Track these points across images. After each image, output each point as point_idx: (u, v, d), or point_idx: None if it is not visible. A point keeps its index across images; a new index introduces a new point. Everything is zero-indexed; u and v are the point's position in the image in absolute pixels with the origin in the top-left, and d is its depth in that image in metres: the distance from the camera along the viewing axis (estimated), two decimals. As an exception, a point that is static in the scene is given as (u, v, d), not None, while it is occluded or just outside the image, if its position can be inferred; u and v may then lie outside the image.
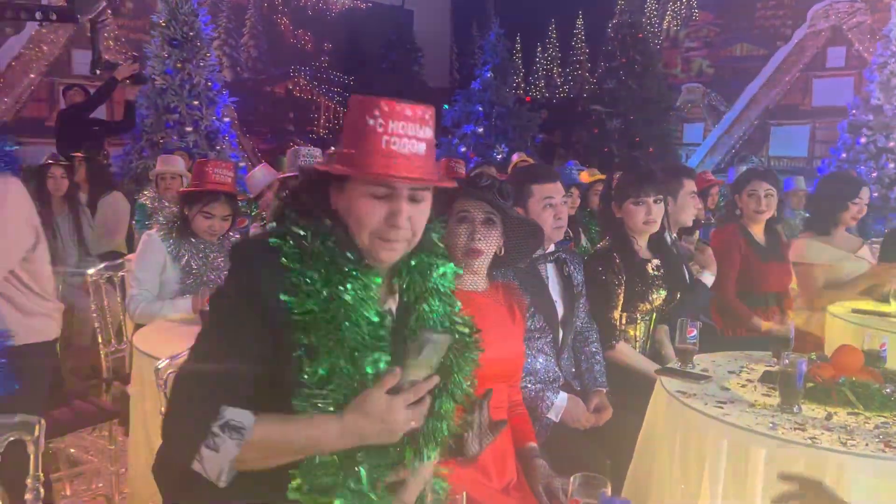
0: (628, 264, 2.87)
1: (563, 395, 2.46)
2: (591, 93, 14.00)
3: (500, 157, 8.69)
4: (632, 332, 2.93)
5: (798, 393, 1.99)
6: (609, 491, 1.23)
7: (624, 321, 2.89)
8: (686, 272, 3.46)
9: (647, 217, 2.86)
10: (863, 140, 8.18)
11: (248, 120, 12.96)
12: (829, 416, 1.96)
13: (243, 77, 13.19)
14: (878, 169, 7.93)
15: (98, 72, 6.60)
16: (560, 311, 2.62)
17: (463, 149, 9.44)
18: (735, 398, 2.10)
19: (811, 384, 2.09)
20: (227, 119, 7.69)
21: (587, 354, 2.73)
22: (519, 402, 2.17)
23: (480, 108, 9.42)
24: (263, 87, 13.61)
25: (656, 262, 2.96)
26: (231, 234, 3.05)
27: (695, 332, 2.39)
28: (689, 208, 3.37)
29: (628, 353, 2.85)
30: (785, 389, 2.00)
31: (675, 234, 3.46)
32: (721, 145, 13.47)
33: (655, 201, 2.87)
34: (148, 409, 2.40)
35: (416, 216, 1.32)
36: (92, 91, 6.71)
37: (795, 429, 1.86)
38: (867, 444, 1.77)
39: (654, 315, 2.99)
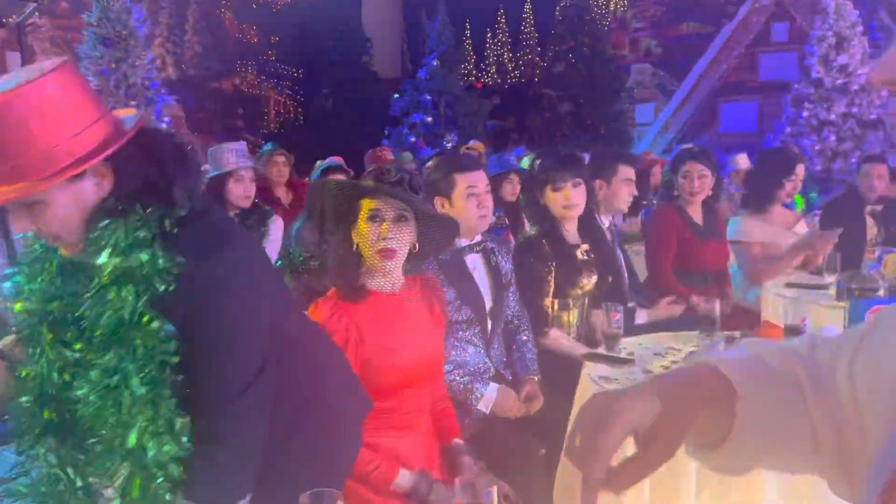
0: (557, 250, 2.85)
1: (492, 387, 2.43)
2: (543, 77, 14.05)
3: (449, 145, 8.65)
4: (566, 318, 2.92)
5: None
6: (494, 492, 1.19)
7: (556, 308, 2.87)
8: (621, 255, 3.47)
9: (566, 202, 2.84)
10: (805, 114, 8.30)
11: (196, 118, 12.75)
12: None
13: (188, 74, 12.95)
14: (820, 142, 8.06)
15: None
16: (488, 301, 2.58)
17: (413, 139, 9.37)
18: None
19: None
20: (167, 118, 7.50)
21: (518, 343, 2.70)
22: (443, 397, 2.14)
23: (429, 97, 9.35)
24: (210, 84, 13.38)
25: (586, 246, 2.95)
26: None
27: (619, 317, 2.38)
28: (624, 195, 3.36)
29: (561, 339, 2.83)
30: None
31: (611, 219, 3.46)
32: (673, 124, 13.60)
33: (574, 185, 2.85)
34: None
35: None
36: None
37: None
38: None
39: (588, 300, 2.98)
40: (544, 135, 11.93)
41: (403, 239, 1.89)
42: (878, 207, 4.42)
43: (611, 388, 2.01)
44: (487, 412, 2.42)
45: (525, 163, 6.10)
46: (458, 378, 2.40)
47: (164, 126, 7.57)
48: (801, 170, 3.99)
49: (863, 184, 4.46)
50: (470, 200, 2.50)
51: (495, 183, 4.81)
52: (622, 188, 3.36)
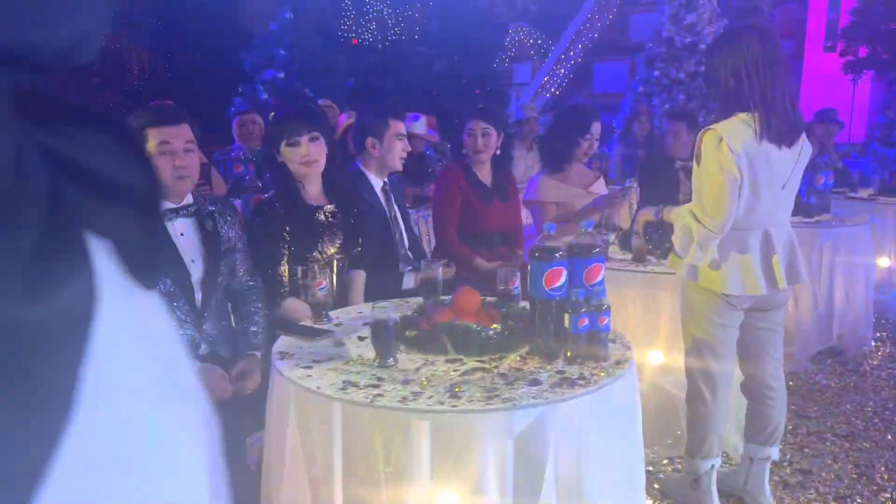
0: (293, 212, 2.65)
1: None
2: (421, 35, 13.74)
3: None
4: (324, 283, 2.72)
5: (391, 344, 1.84)
6: None
7: (300, 275, 2.67)
8: (399, 217, 3.31)
9: (303, 157, 2.64)
10: (656, 73, 8.37)
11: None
12: (422, 366, 1.82)
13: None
14: (670, 101, 8.16)
15: None
16: (198, 271, 2.36)
17: (265, 96, 8.94)
18: (337, 355, 1.93)
19: (412, 332, 1.95)
20: None
21: (243, 315, 2.50)
22: None
23: (283, 52, 8.91)
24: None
25: (330, 207, 2.75)
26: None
27: (325, 284, 2.21)
28: (396, 151, 3.18)
29: (298, 309, 2.64)
30: (376, 341, 1.84)
31: (384, 180, 3.27)
32: (549, 84, 13.61)
33: (312, 139, 2.65)
34: None
35: None
36: None
37: (371, 385, 1.71)
38: (430, 397, 1.64)
39: (342, 264, 2.79)
40: (418, 94, 11.65)
41: None
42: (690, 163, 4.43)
43: (281, 365, 1.84)
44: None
45: (419, 127, 5.89)
46: (153, 357, 2.17)
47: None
48: (596, 128, 3.92)
49: (666, 141, 4.46)
50: (163, 158, 2.25)
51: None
52: (395, 144, 3.17)
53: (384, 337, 1.83)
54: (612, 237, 3.49)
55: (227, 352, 2.42)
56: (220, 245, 2.43)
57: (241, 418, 2.22)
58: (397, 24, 15.44)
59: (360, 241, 2.83)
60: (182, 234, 2.35)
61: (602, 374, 1.78)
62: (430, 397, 1.64)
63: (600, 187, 4.03)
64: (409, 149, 3.27)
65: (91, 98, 11.98)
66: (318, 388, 1.70)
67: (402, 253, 3.26)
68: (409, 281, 3.09)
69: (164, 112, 2.31)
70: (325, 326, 2.17)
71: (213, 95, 9.24)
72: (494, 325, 1.95)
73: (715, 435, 2.61)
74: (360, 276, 2.87)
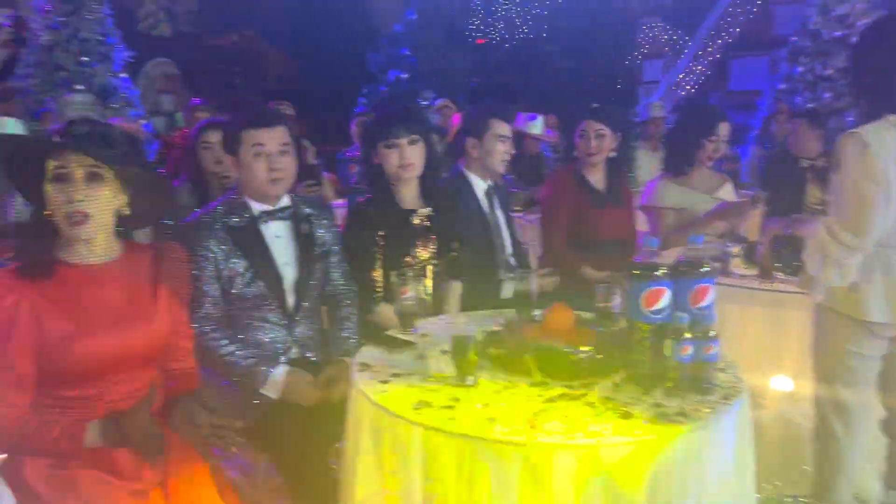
0: (387, 216, 2.58)
1: (280, 369, 2.19)
2: (550, 33, 13.49)
3: (425, 103, 8.29)
4: (410, 292, 2.64)
5: (470, 362, 1.72)
6: None
7: (394, 279, 2.60)
8: (502, 223, 3.17)
9: (401, 161, 2.56)
10: (800, 69, 7.73)
11: (191, 75, 12.56)
12: (503, 389, 1.69)
13: (183, 31, 12.73)
14: (815, 99, 7.51)
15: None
16: (292, 274, 2.33)
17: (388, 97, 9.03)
18: (417, 370, 1.83)
19: (497, 350, 1.82)
20: (123, 75, 7.30)
21: (335, 320, 2.46)
22: (175, 375, 1.90)
23: (407, 52, 8.97)
24: (206, 41, 13.15)
25: (426, 211, 2.66)
26: None
27: (411, 293, 2.12)
28: (498, 153, 3.05)
29: (391, 316, 2.57)
30: (456, 358, 1.73)
31: (489, 183, 3.15)
32: (683, 81, 12.96)
33: (411, 142, 2.56)
34: None
35: None
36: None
37: (446, 406, 1.60)
38: (507, 425, 1.50)
39: (437, 270, 2.70)
40: (543, 93, 11.45)
41: (99, 201, 1.64)
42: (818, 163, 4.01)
43: (359, 378, 1.77)
44: (276, 397, 2.19)
45: (536, 127, 5.78)
46: (241, 361, 2.17)
47: (122, 81, 7.39)
48: (724, 129, 3.61)
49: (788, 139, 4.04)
50: (257, 160, 2.24)
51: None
52: (496, 145, 3.04)
53: (463, 354, 1.71)
54: (736, 249, 3.19)
55: (318, 356, 2.38)
56: (315, 248, 2.40)
57: (329, 424, 2.17)
58: (525, 22, 15.27)
59: (456, 246, 2.72)
60: (277, 237, 2.34)
61: (706, 409, 1.58)
62: (506, 425, 1.51)
63: (727, 193, 3.72)
64: (513, 151, 3.12)
65: (233, 99, 12.64)
66: (391, 406, 1.61)
67: (504, 259, 3.12)
68: (509, 289, 2.95)
69: (259, 114, 2.30)
70: (410, 337, 2.08)
71: (339, 96, 9.46)
72: (586, 347, 1.79)
73: (846, 479, 2.31)
74: (455, 286, 2.76)
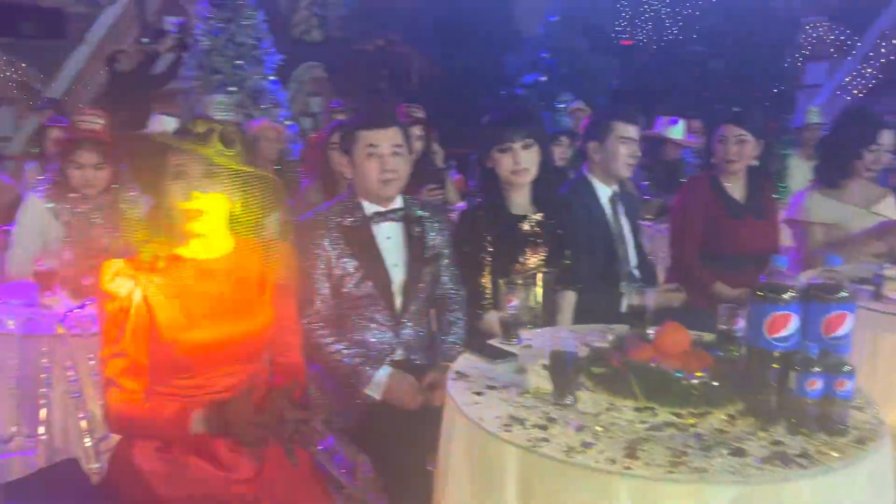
0: (497, 222, 2.51)
1: (384, 370, 2.19)
2: (700, 33, 12.86)
3: (562, 106, 8.12)
4: (515, 301, 2.56)
5: (569, 380, 1.62)
6: None
7: (504, 287, 2.53)
8: (626, 231, 3.01)
9: (514, 166, 2.48)
10: None
11: (339, 79, 13.06)
12: (604, 411, 1.57)
13: (333, 36, 13.26)
14: None
15: (146, 39, 6.82)
16: (400, 276, 2.32)
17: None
18: (514, 383, 1.74)
19: (600, 369, 1.70)
20: (273, 78, 7.69)
21: (443, 324, 2.43)
22: (281, 370, 1.92)
23: (547, 56, 8.82)
24: (353, 46, 13.62)
25: (538, 217, 2.57)
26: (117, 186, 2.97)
27: (515, 301, 2.03)
28: (622, 157, 2.89)
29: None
30: (554, 375, 1.63)
31: (613, 189, 3.00)
32: (851, 85, 11.91)
33: (525, 147, 2.48)
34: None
35: None
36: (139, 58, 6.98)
37: (538, 426, 1.51)
38: (602, 452, 1.39)
39: (548, 279, 2.59)
40: (690, 96, 10.93)
41: (213, 198, 1.70)
42: None
43: (453, 387, 1.72)
44: (378, 398, 2.18)
45: (677, 132, 5.56)
46: (346, 359, 2.18)
47: (272, 85, 7.78)
48: (887, 138, 3.24)
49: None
50: (370, 161, 2.24)
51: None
52: (619, 149, 2.89)
53: (562, 371, 1.61)
54: (892, 271, 2.84)
55: (422, 359, 2.36)
56: (426, 251, 2.38)
57: (428, 428, 2.13)
58: (675, 22, 14.64)
59: (569, 254, 2.61)
60: (388, 238, 2.34)
61: (834, 453, 1.39)
62: (601, 452, 1.39)
63: (889, 207, 3.35)
64: (639, 154, 2.95)
65: (379, 101, 13.02)
66: (482, 419, 1.54)
67: (626, 271, 2.96)
68: (648, 300, 2.78)
69: (373, 115, 2.31)
70: (512, 348, 2.00)
71: (477, 99, 9.47)
72: (700, 373, 1.63)
73: None
74: (569, 296, 2.65)
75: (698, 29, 13.32)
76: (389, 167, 2.25)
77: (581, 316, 2.65)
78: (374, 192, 2.29)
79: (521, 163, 2.47)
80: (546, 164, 2.62)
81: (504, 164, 2.49)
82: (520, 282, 2.53)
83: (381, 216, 2.32)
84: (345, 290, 2.26)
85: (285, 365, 1.95)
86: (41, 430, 1.92)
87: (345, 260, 2.25)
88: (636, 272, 3.02)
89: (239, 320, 1.77)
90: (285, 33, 13.21)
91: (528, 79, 8.93)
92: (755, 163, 3.18)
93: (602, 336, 2.06)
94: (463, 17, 11.24)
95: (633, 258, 3.02)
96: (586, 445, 1.42)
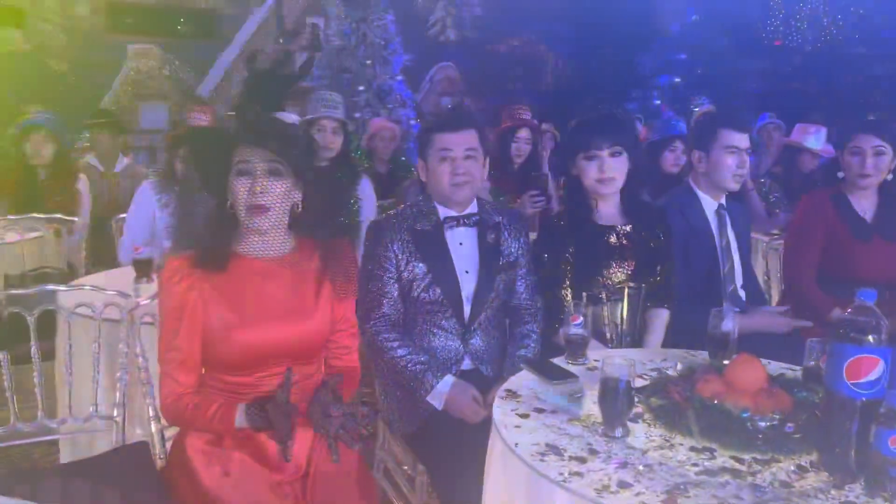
0: (580, 232, 2.37)
1: (447, 380, 2.12)
2: (862, 35, 11.82)
3: (696, 109, 7.69)
4: (603, 314, 2.42)
5: (620, 412, 1.49)
6: None
7: (585, 301, 2.40)
8: (734, 247, 2.78)
9: (600, 174, 2.33)
10: None
11: (472, 79, 13.12)
12: (656, 448, 1.43)
13: (467, 36, 13.33)
14: None
15: (281, 40, 7.14)
16: (471, 283, 2.25)
17: (657, 102, 8.54)
18: (567, 408, 1.63)
19: (660, 401, 1.55)
20: (399, 77, 7.82)
21: (516, 337, 2.33)
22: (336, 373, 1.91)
23: (683, 56, 8.39)
24: (488, 46, 13.62)
25: (626, 229, 2.40)
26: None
27: (581, 320, 1.90)
28: (727, 167, 2.66)
29: (577, 339, 2.37)
30: (603, 404, 1.51)
31: (720, 202, 2.77)
32: None
33: (612, 154, 2.32)
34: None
35: None
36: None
37: (576, 458, 1.40)
38: (638, 495, 1.26)
39: (637, 294, 2.44)
40: (848, 102, 10.08)
41: (277, 195, 1.70)
42: None
43: (499, 407, 1.64)
44: (440, 408, 2.13)
45: (815, 141, 5.16)
46: (410, 366, 2.14)
47: (397, 84, 7.91)
48: None
49: None
50: (443, 164, 2.19)
51: (656, 150, 4.20)
52: (724, 159, 2.66)
53: (612, 400, 1.48)
54: None
55: (491, 371, 2.27)
56: (500, 259, 2.29)
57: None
58: (835, 22, 13.54)
59: (662, 269, 2.43)
60: (461, 244, 2.27)
61: (918, 525, 1.18)
62: (637, 494, 1.27)
63: None
64: (746, 166, 2.70)
65: (512, 104, 12.93)
66: (517, 444, 1.45)
67: (730, 290, 2.72)
68: (729, 325, 2.56)
69: (446, 118, 2.25)
70: (578, 366, 1.88)
71: (608, 101, 9.19)
72: (773, 415, 1.45)
73: None
74: (661, 315, 2.47)
75: (861, 30, 12.28)
76: (461, 171, 2.18)
77: (675, 337, 2.46)
78: (445, 196, 2.24)
79: (607, 171, 2.33)
80: (635, 172, 2.46)
81: (590, 172, 2.35)
82: (603, 296, 2.41)
83: (454, 221, 2.26)
84: (413, 294, 2.22)
85: (341, 368, 1.93)
86: (116, 412, 2.00)
87: (414, 264, 2.21)
88: (742, 292, 2.78)
89: (294, 321, 1.76)
90: (421, 33, 13.45)
91: (662, 80, 8.54)
92: (889, 177, 2.84)
93: (673, 363, 1.90)
94: (599, 15, 10.94)
95: (739, 276, 2.78)
96: (623, 485, 1.30)
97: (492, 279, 2.27)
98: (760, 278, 3.23)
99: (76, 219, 3.47)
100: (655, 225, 2.46)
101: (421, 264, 2.21)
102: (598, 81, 9.84)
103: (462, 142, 2.20)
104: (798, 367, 1.83)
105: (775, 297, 3.28)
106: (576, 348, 1.93)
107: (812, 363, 1.67)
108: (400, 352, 2.17)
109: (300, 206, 1.77)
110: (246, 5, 11.16)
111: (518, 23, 13.87)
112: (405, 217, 2.27)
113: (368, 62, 7.51)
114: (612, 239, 2.39)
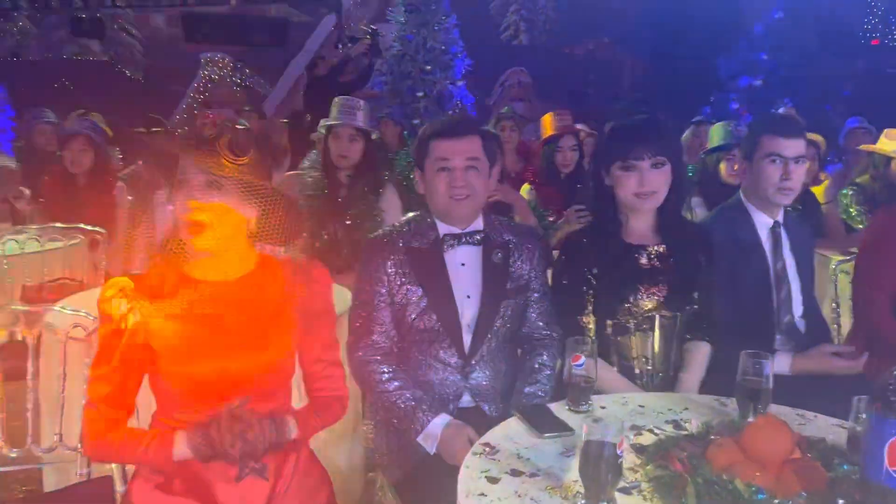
0: (605, 251, 2.07)
1: (440, 419, 1.87)
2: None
3: (781, 111, 7.16)
4: (631, 346, 2.11)
5: (603, 484, 1.21)
6: None
7: (610, 330, 2.10)
8: (792, 272, 2.41)
9: (639, 188, 2.02)
10: None
11: (543, 83, 12.80)
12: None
13: (540, 41, 13.00)
14: None
15: (340, 46, 7.08)
16: (472, 309, 1.99)
17: (735, 106, 7.99)
18: (549, 470, 1.36)
19: (658, 471, 1.26)
20: (461, 82, 7.61)
21: (527, 370, 2.05)
22: (322, 407, 1.70)
23: (765, 57, 7.81)
24: (561, 50, 13.25)
25: (659, 249, 2.09)
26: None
27: (583, 359, 1.62)
28: (768, 178, 2.30)
29: (602, 373, 2.07)
30: (586, 475, 1.23)
31: (776, 219, 2.41)
32: None
33: (655, 165, 2.01)
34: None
35: None
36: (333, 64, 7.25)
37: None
38: None
39: (672, 325, 2.12)
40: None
41: (216, 212, 1.51)
42: None
43: (467, 466, 1.39)
44: (432, 451, 1.88)
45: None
46: (400, 399, 1.91)
47: (458, 90, 7.71)
48: None
49: None
50: (439, 176, 1.95)
51: (712, 160, 3.82)
52: (765, 168, 2.29)
53: (594, 469, 1.21)
54: None
55: (496, 410, 2.01)
56: (507, 282, 2.03)
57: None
58: (941, 18, 12.48)
59: (699, 297, 2.10)
60: (463, 264, 2.02)
61: None
62: None
63: None
64: (795, 177, 2.33)
65: (585, 110, 12.54)
66: (472, 521, 1.19)
67: (786, 321, 2.36)
68: (781, 363, 2.21)
69: (446, 123, 2.00)
70: (581, 414, 1.60)
71: (686, 105, 8.70)
72: (799, 498, 1.14)
73: None
74: (701, 349, 2.14)
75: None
76: (461, 183, 1.93)
77: (718, 377, 2.12)
78: (443, 211, 1.99)
79: (648, 184, 2.01)
80: (678, 186, 2.14)
81: (627, 184, 2.04)
82: (631, 325, 2.11)
83: (455, 239, 2.01)
84: (407, 321, 1.99)
85: (326, 400, 1.73)
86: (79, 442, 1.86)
87: (408, 287, 1.97)
88: (802, 322, 2.41)
89: (249, 353, 1.56)
90: (492, 37, 13.24)
91: (741, 82, 7.98)
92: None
93: (706, 414, 1.60)
94: (678, 17, 10.41)
95: (798, 305, 2.42)
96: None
97: (497, 305, 2.00)
98: (829, 307, 2.82)
99: (99, 228, 3.40)
100: (695, 246, 2.14)
101: (416, 287, 1.97)
102: (677, 85, 9.32)
103: (462, 150, 1.95)
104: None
105: (847, 329, 2.87)
106: (577, 393, 1.65)
107: (860, 428, 1.33)
108: (390, 385, 1.93)
109: (253, 223, 1.58)
110: (317, 13, 11.23)
111: (594, 26, 13.47)
112: (402, 233, 2.04)
113: (428, 67, 7.34)
114: (643, 260, 2.08)
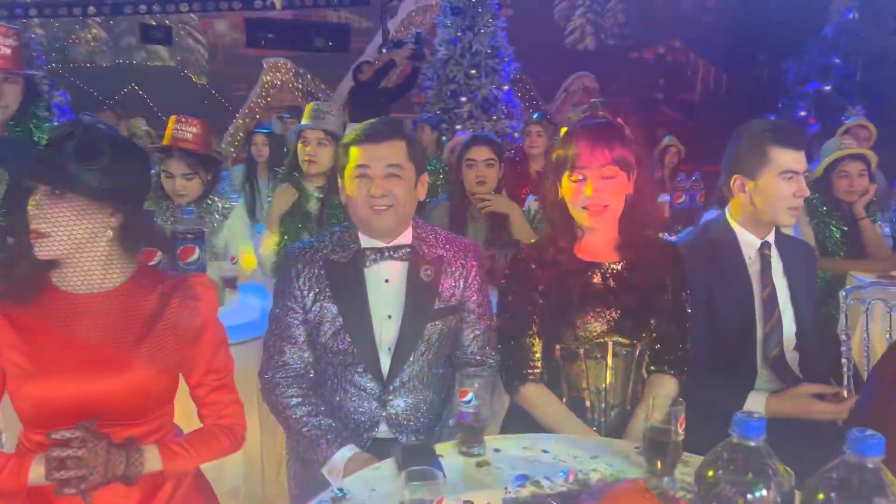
0: (553, 267, 1.85)
1: (344, 451, 1.70)
2: None
3: (849, 119, 6.60)
4: (581, 375, 1.88)
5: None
6: None
7: (558, 354, 1.88)
8: (779, 301, 2.12)
9: (587, 199, 1.79)
10: None
11: (611, 88, 12.40)
12: None
13: (608, 44, 12.59)
14: None
15: (384, 51, 7.01)
16: (392, 331, 1.82)
17: (802, 113, 7.44)
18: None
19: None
20: (506, 87, 7.40)
21: (454, 399, 1.85)
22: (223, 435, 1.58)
23: (837, 60, 7.24)
24: (630, 54, 12.79)
25: (616, 268, 1.86)
26: (213, 199, 2.88)
27: (471, 396, 1.42)
28: (781, 197, 2.01)
29: (540, 400, 1.85)
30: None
31: (765, 239, 2.13)
32: None
33: (605, 178, 1.78)
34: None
35: None
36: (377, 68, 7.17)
37: None
38: None
39: (629, 354, 1.88)
40: None
41: (57, 222, 1.40)
42: None
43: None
44: (334, 483, 1.71)
45: None
46: (306, 428, 1.76)
47: (505, 94, 7.50)
48: None
49: None
50: (359, 184, 1.78)
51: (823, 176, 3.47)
52: (778, 186, 2.01)
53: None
54: None
55: (417, 442, 1.82)
56: (435, 301, 1.84)
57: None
58: None
59: (655, 324, 1.86)
60: (386, 281, 1.85)
61: None
62: None
63: None
64: (804, 195, 2.04)
65: (651, 116, 12.08)
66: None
67: (773, 356, 2.07)
68: (755, 402, 1.93)
69: (367, 127, 1.83)
70: (474, 455, 1.40)
71: (755, 111, 8.19)
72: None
73: None
74: (665, 385, 1.89)
75: None
76: (379, 192, 1.76)
77: (690, 417, 1.87)
78: (364, 223, 1.83)
79: (598, 196, 1.79)
80: (641, 199, 1.90)
81: (576, 195, 1.82)
82: (580, 352, 1.88)
83: (378, 253, 1.84)
84: (321, 341, 1.83)
85: (209, 429, 1.60)
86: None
87: (322, 304, 1.81)
88: (792, 356, 2.12)
89: (103, 372, 1.45)
90: (556, 42, 12.94)
91: (809, 87, 7.42)
92: None
93: (604, 465, 1.37)
94: (749, 20, 9.86)
95: (790, 337, 2.12)
96: None
97: (420, 326, 1.82)
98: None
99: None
100: (659, 266, 1.89)
101: (331, 304, 1.82)
102: (747, 90, 8.77)
103: (382, 156, 1.78)
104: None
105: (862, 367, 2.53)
106: (468, 434, 1.45)
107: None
108: (298, 411, 1.78)
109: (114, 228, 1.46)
110: (377, 19, 11.25)
111: (662, 29, 12.97)
112: (322, 245, 1.89)
113: (473, 71, 7.16)
114: (596, 279, 1.85)
